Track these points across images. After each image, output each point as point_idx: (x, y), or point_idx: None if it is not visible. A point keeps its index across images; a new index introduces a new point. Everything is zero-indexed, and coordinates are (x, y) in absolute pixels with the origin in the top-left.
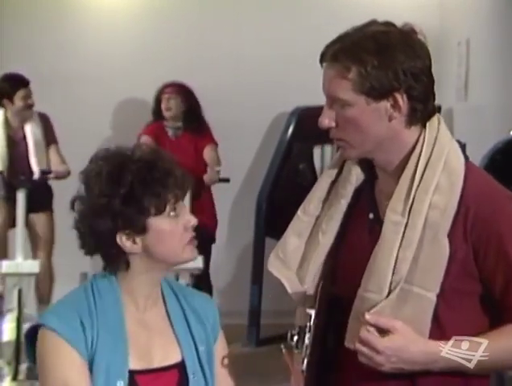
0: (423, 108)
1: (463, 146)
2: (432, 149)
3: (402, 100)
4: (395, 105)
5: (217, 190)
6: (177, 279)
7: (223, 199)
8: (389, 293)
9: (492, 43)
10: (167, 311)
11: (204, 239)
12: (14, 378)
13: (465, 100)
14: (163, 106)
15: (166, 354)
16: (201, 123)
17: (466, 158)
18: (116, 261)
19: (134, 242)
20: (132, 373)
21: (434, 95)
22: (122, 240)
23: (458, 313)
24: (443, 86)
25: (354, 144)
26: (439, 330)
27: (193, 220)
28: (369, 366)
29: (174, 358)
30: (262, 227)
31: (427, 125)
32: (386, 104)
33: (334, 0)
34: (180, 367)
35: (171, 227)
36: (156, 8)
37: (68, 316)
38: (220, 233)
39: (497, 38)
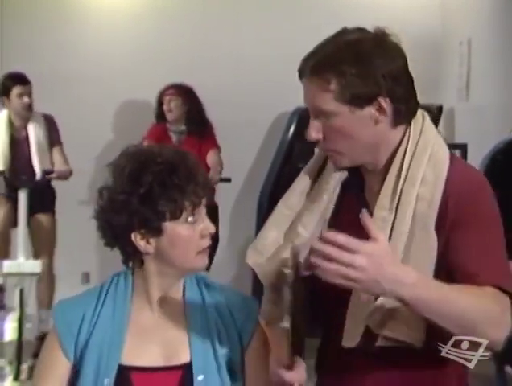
0: (405, 108)
1: (459, 146)
2: (417, 144)
3: (385, 103)
4: (380, 109)
5: (219, 190)
6: None
7: (224, 198)
8: None
9: (493, 43)
10: (185, 311)
11: (208, 211)
12: (16, 378)
13: (467, 100)
14: (164, 108)
15: (174, 354)
16: (205, 125)
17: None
18: (131, 258)
19: (148, 242)
20: (128, 369)
21: (415, 93)
22: (137, 239)
23: None
24: (445, 86)
25: (345, 152)
26: (436, 327)
27: (211, 228)
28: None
29: (182, 358)
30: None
31: (412, 122)
32: (370, 110)
33: (335, 0)
34: (187, 368)
35: (188, 233)
36: (157, 8)
37: (72, 310)
38: (222, 233)
39: (499, 38)
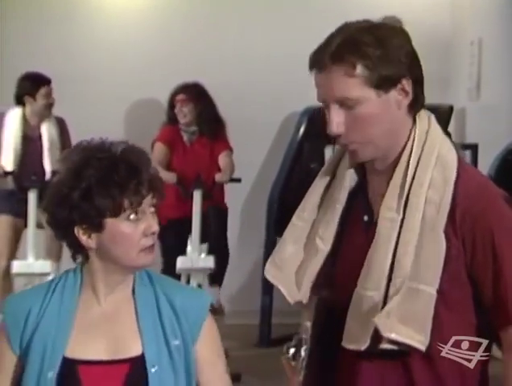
0: (421, 93)
1: (470, 147)
2: (424, 145)
3: (408, 85)
4: (403, 91)
5: (229, 191)
6: (188, 279)
7: (234, 199)
8: (387, 289)
9: (504, 43)
10: (135, 305)
11: (217, 216)
12: None
13: (477, 100)
14: (176, 112)
15: (122, 348)
16: (217, 125)
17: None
18: (77, 252)
19: (90, 237)
20: (73, 362)
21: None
22: (79, 234)
23: (454, 310)
24: (455, 86)
25: (369, 141)
26: (437, 328)
27: (155, 227)
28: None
29: (132, 352)
30: (273, 227)
31: (417, 119)
32: (394, 94)
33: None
34: (137, 361)
35: (129, 231)
36: (166, 8)
37: (19, 303)
38: (232, 233)
39: (510, 37)
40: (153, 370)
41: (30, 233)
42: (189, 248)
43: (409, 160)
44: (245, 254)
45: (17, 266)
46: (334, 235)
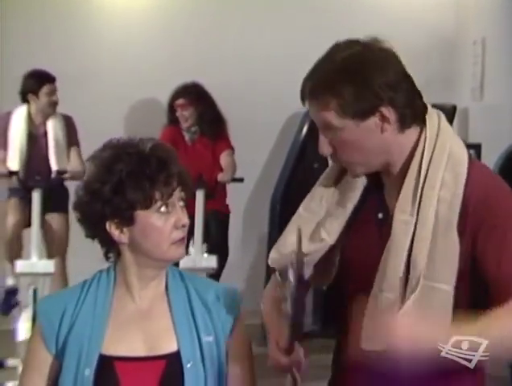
0: (411, 112)
1: (473, 147)
2: (434, 146)
3: (388, 112)
4: (383, 118)
5: (231, 190)
6: None
7: (237, 198)
8: (404, 290)
9: (508, 42)
10: (168, 302)
11: (218, 220)
12: None
13: (481, 99)
14: (178, 117)
15: (157, 344)
16: (218, 125)
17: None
18: (109, 249)
19: (122, 232)
20: (110, 359)
21: (418, 94)
22: (111, 229)
23: (459, 307)
24: (459, 86)
25: (357, 162)
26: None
27: (184, 220)
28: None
29: (168, 348)
30: (276, 227)
31: (427, 122)
32: (374, 120)
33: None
34: (172, 357)
35: (160, 223)
36: (168, 8)
37: (54, 304)
38: (235, 233)
39: None
40: (188, 365)
41: (34, 233)
42: (191, 249)
43: (421, 161)
44: (248, 254)
45: (20, 266)
46: (341, 230)
